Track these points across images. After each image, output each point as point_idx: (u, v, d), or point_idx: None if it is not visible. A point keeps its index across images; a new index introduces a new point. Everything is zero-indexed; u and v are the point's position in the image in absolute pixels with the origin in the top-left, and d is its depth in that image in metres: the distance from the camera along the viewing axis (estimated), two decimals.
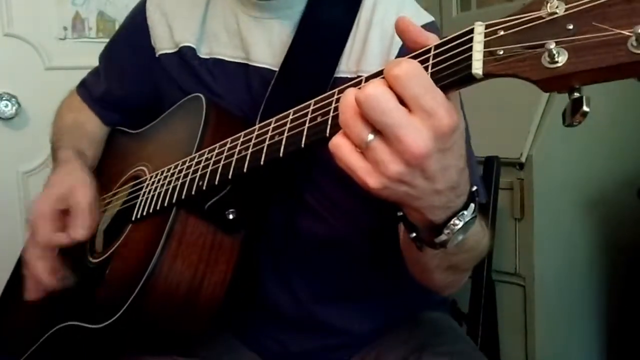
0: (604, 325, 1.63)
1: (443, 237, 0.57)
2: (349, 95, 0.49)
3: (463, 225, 0.56)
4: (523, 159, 1.46)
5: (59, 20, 1.83)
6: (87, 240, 0.91)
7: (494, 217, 1.26)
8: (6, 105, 1.77)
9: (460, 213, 0.56)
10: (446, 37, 0.51)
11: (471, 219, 0.57)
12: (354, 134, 0.49)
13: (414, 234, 0.60)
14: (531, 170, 1.46)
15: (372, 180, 0.49)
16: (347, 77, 0.84)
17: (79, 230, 0.87)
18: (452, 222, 0.56)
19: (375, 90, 0.47)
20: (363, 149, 0.49)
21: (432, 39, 0.53)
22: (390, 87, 0.47)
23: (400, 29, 0.54)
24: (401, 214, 0.59)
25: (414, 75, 0.47)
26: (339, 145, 0.50)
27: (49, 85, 1.74)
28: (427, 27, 0.84)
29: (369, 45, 0.84)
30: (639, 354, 1.60)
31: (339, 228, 0.88)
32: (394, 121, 0.47)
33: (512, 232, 1.52)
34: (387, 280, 0.93)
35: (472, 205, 0.57)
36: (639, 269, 1.61)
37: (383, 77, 0.48)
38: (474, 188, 0.58)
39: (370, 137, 0.48)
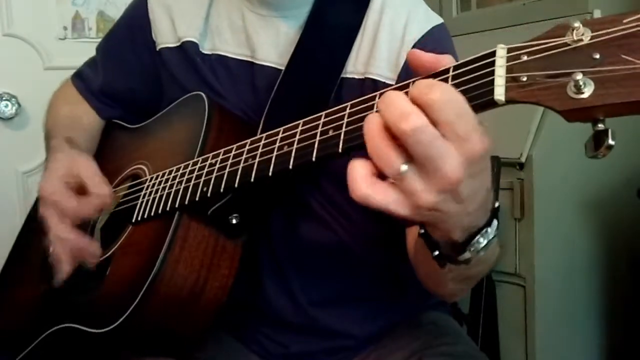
0: (604, 325, 1.63)
1: (467, 255, 0.55)
2: (374, 123, 0.47)
3: (486, 243, 0.55)
4: (523, 159, 1.46)
5: (59, 20, 1.83)
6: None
7: None
8: (6, 105, 1.77)
9: (484, 230, 0.54)
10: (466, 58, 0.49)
11: (494, 236, 0.56)
12: (386, 164, 0.46)
13: (437, 252, 0.58)
14: (531, 170, 1.45)
15: (405, 210, 0.47)
16: (354, 78, 0.84)
17: (103, 187, 0.85)
18: (476, 239, 0.54)
19: (421, 123, 0.44)
20: (397, 179, 0.46)
21: (449, 61, 0.51)
22: (423, 110, 0.45)
23: (415, 64, 0.52)
24: (423, 231, 0.58)
25: (449, 100, 0.45)
26: (370, 195, 0.47)
27: (49, 85, 1.70)
28: (437, 29, 0.84)
29: (377, 47, 0.83)
30: (639, 354, 1.60)
31: (341, 233, 0.88)
32: (437, 152, 0.44)
33: (512, 232, 1.51)
34: (389, 284, 0.93)
35: (495, 221, 0.56)
36: (639, 269, 1.61)
37: (406, 91, 0.46)
38: (497, 204, 0.56)
39: (404, 167, 0.46)
